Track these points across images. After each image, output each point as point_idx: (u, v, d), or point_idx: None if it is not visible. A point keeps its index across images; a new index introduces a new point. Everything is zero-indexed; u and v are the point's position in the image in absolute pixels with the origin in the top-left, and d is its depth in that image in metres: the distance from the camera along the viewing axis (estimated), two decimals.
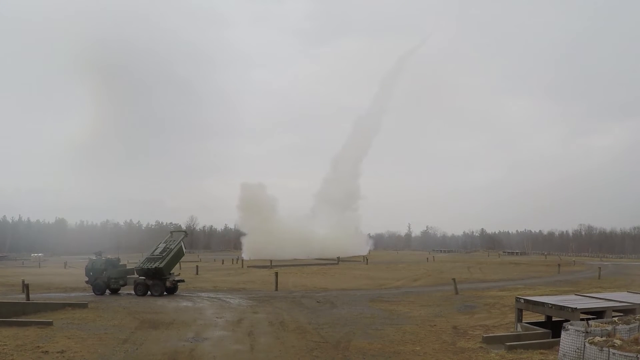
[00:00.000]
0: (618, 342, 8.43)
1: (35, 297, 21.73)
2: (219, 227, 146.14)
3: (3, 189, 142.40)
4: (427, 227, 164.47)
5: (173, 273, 25.40)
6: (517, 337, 12.68)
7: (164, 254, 24.80)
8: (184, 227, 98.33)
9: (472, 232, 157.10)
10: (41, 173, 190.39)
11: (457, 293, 24.55)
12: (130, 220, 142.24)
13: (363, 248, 76.76)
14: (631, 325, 9.83)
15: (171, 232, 27.91)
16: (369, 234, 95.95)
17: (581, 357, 8.82)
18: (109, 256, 28.30)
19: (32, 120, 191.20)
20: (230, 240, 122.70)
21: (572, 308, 12.47)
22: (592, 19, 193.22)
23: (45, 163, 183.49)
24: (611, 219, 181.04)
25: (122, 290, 25.11)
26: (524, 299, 14.65)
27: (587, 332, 9.09)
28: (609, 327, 9.57)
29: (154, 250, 25.65)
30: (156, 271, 24.03)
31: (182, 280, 26.13)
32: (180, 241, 25.84)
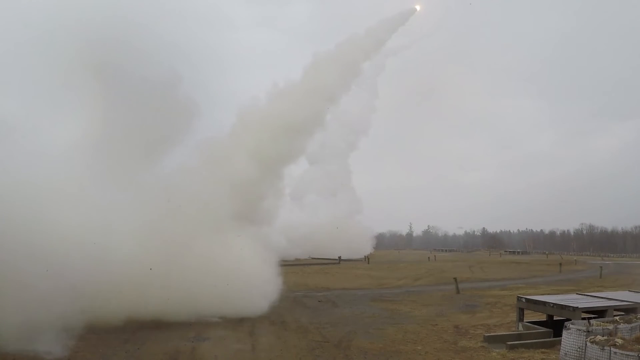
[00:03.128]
0: (619, 341, 8.43)
1: None
2: None
3: None
4: (428, 226, 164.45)
5: None
6: (519, 337, 12.69)
7: None
8: None
9: (474, 231, 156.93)
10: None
11: (458, 292, 24.55)
12: None
13: (365, 248, 76.02)
14: (633, 325, 9.83)
15: None
16: (376, 234, 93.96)
17: (583, 356, 8.82)
18: None
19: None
20: None
21: (573, 307, 12.48)
22: (593, 19, 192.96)
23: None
24: (612, 218, 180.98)
25: None
26: (526, 298, 14.66)
27: (588, 332, 9.09)
28: (611, 326, 9.58)
29: None
30: None
31: None
32: None
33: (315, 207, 71.95)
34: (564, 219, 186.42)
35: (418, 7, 26.72)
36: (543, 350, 11.35)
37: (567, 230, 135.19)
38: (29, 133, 13.86)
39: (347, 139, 75.51)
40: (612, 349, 8.16)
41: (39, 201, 12.43)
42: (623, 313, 12.72)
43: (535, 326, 13.73)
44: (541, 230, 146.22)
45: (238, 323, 15.38)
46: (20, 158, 12.89)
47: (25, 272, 11.52)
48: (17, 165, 12.59)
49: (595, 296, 14.83)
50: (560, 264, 46.64)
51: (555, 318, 13.67)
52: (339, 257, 58.98)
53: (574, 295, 15.66)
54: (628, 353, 7.83)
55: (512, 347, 11.61)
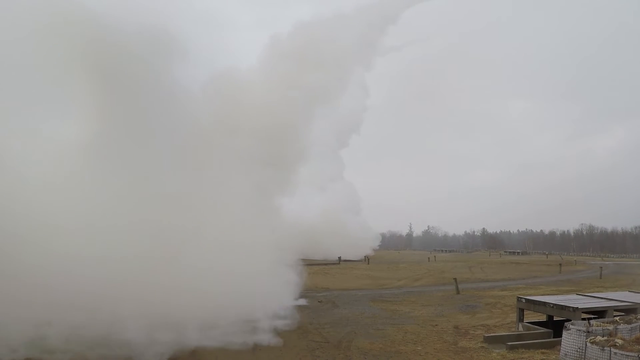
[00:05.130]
0: (619, 341, 8.44)
1: None
2: None
3: None
4: (428, 226, 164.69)
5: None
6: (519, 337, 12.70)
7: None
8: None
9: (474, 231, 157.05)
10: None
11: (458, 293, 24.55)
12: None
13: (366, 248, 75.53)
14: (633, 325, 9.83)
15: None
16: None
17: (583, 356, 8.83)
18: None
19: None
20: None
21: (573, 308, 12.48)
22: (594, 19, 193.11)
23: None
24: (612, 219, 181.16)
25: None
26: (525, 299, 14.66)
27: (588, 332, 9.10)
28: (611, 327, 9.59)
29: None
30: None
31: None
32: None
33: (310, 206, 70.81)
34: (563, 220, 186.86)
35: None
36: (543, 350, 11.35)
37: (567, 231, 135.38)
38: (29, 132, 13.75)
39: (338, 137, 74.43)
40: (612, 349, 8.16)
41: (39, 201, 12.37)
42: (623, 313, 12.72)
43: (535, 327, 13.73)
44: (541, 230, 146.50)
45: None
46: (21, 157, 12.81)
47: (25, 271, 11.46)
48: (18, 164, 12.53)
49: (595, 297, 14.83)
50: (560, 265, 46.64)
51: (555, 318, 13.68)
52: (339, 258, 58.95)
53: (574, 296, 15.66)
54: (628, 353, 7.84)
55: (512, 348, 11.61)
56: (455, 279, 26.50)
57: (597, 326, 9.56)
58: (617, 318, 11.20)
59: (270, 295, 15.94)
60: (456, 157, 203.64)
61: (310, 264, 52.87)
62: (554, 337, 12.33)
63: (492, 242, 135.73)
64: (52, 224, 12.26)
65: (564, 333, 9.50)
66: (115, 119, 14.46)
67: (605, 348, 8.29)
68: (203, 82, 17.77)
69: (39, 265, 11.47)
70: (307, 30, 20.11)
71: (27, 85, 14.30)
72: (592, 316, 12.55)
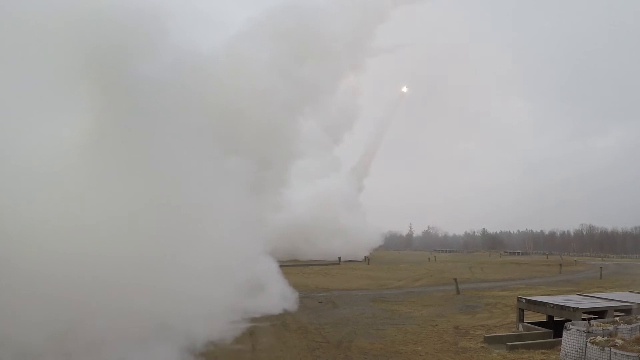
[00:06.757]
0: (620, 341, 8.45)
1: None
2: None
3: None
4: (428, 227, 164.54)
5: None
6: (519, 337, 12.71)
7: None
8: None
9: (474, 232, 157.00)
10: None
11: (458, 293, 24.55)
12: None
13: (366, 248, 75.13)
14: (633, 325, 9.84)
15: None
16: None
17: (583, 357, 8.83)
18: None
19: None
20: None
21: (573, 308, 12.49)
22: (593, 19, 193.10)
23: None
24: (612, 219, 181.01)
25: None
26: (526, 299, 14.67)
27: (588, 332, 9.11)
28: (611, 327, 9.59)
29: None
30: None
31: None
32: None
33: (310, 205, 70.17)
34: (564, 220, 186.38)
35: None
36: (543, 350, 11.36)
37: (567, 231, 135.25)
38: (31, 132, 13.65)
39: (331, 134, 73.92)
40: (612, 349, 8.17)
41: (35, 201, 12.29)
42: (623, 314, 12.73)
43: (536, 327, 13.74)
44: (541, 230, 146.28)
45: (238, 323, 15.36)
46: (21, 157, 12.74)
47: (22, 272, 11.38)
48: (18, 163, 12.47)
49: (595, 297, 14.84)
50: (560, 265, 46.61)
51: (555, 319, 13.68)
52: (339, 258, 58.91)
53: (574, 296, 15.66)
54: (628, 354, 7.85)
55: (512, 348, 11.62)
56: (455, 279, 26.50)
57: (597, 326, 9.57)
58: (617, 318, 11.21)
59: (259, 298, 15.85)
60: (456, 157, 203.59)
61: (310, 264, 52.92)
62: (554, 338, 12.34)
63: (492, 243, 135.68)
64: (46, 224, 12.17)
65: (564, 333, 9.50)
66: (111, 119, 14.32)
67: (605, 348, 8.30)
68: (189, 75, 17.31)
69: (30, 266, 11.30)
70: (293, 17, 19.66)
71: (25, 84, 14.22)
72: (592, 316, 12.56)
